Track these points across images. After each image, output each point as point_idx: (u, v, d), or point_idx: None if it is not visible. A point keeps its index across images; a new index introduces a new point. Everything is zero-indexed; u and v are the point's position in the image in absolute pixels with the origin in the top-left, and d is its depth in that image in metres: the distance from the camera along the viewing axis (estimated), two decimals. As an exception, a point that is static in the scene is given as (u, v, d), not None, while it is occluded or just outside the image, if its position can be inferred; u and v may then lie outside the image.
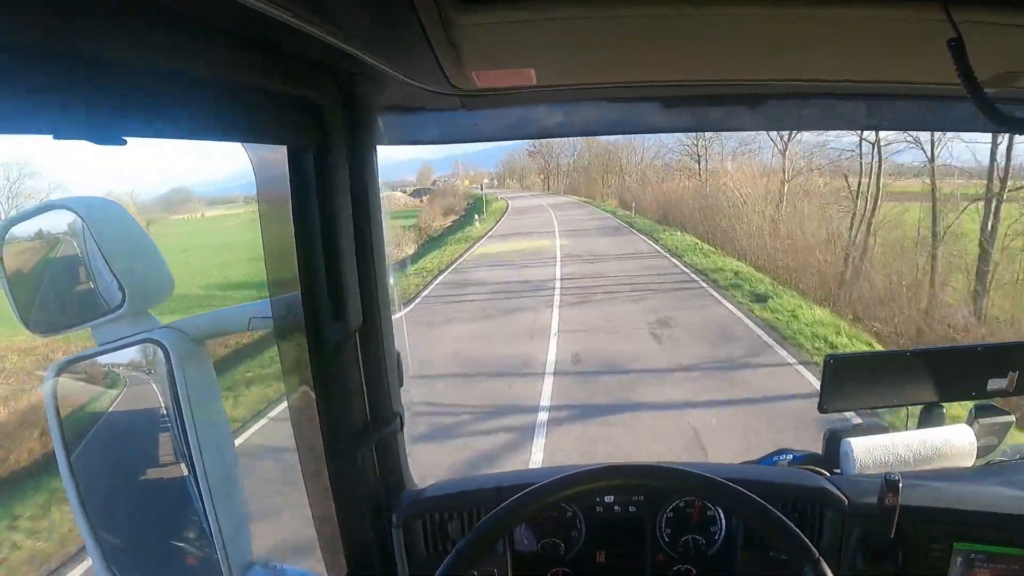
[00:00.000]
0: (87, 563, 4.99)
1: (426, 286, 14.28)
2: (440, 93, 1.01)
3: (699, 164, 32.06)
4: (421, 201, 46.20)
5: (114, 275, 1.04)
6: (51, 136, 0.62)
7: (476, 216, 32.19)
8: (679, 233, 22.63)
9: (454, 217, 36.83)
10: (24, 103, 0.56)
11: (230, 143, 0.94)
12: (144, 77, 0.66)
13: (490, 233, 26.94)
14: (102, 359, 1.13)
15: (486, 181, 65.67)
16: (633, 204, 32.23)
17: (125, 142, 0.67)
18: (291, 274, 0.97)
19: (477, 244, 22.64)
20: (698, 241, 20.80)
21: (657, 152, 40.67)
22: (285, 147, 0.96)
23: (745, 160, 26.06)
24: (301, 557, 1.13)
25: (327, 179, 0.97)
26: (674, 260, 16.89)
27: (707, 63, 0.96)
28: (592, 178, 48.94)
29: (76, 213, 1.06)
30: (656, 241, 21.19)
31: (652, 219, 28.77)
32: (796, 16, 0.74)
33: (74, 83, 0.59)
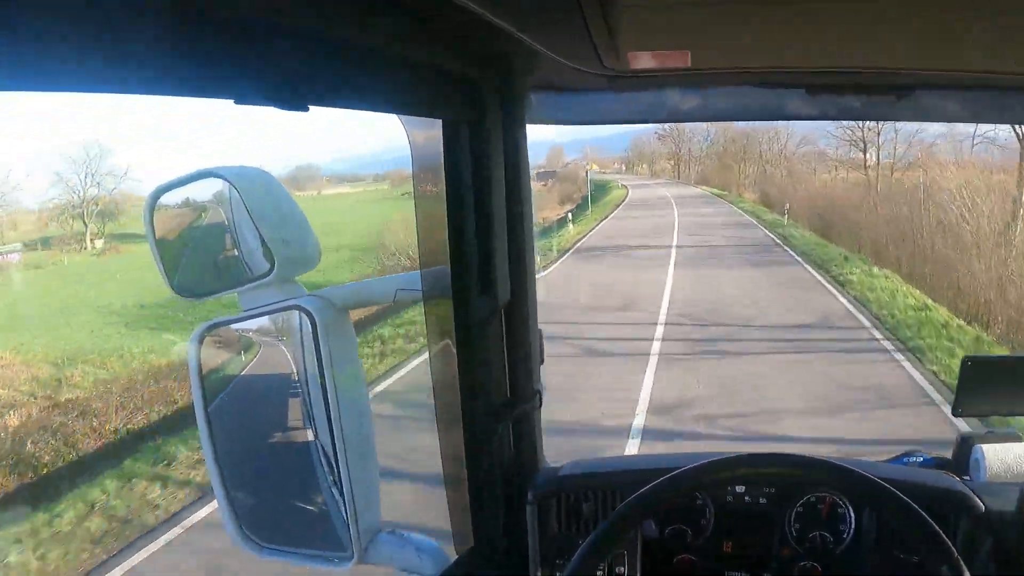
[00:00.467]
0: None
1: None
2: (591, 73, 1.01)
3: (865, 155, 25.16)
4: (545, 185, 40.85)
5: (263, 243, 1.06)
6: (232, 100, 0.64)
7: (569, 218, 24.12)
8: (876, 271, 13.27)
9: (570, 206, 31.15)
10: (208, 67, 0.57)
11: (388, 117, 0.96)
12: (319, 46, 0.68)
13: (579, 244, 18.98)
14: (241, 324, 1.17)
15: (616, 166, 62.59)
16: (787, 207, 22.97)
17: (307, 108, 0.69)
18: (441, 247, 0.98)
19: (546, 272, 13.97)
20: (921, 295, 11.23)
21: (804, 137, 34.62)
22: (440, 122, 0.97)
23: (942, 147, 18.76)
24: (424, 525, 1.14)
25: (481, 154, 0.98)
26: (908, 364, 7.52)
27: (857, 50, 0.93)
28: (727, 166, 42.95)
29: (229, 181, 1.09)
30: (841, 284, 12.08)
31: (809, 227, 20.85)
32: (954, 4, 0.71)
33: (256, 49, 0.61)
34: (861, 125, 23.03)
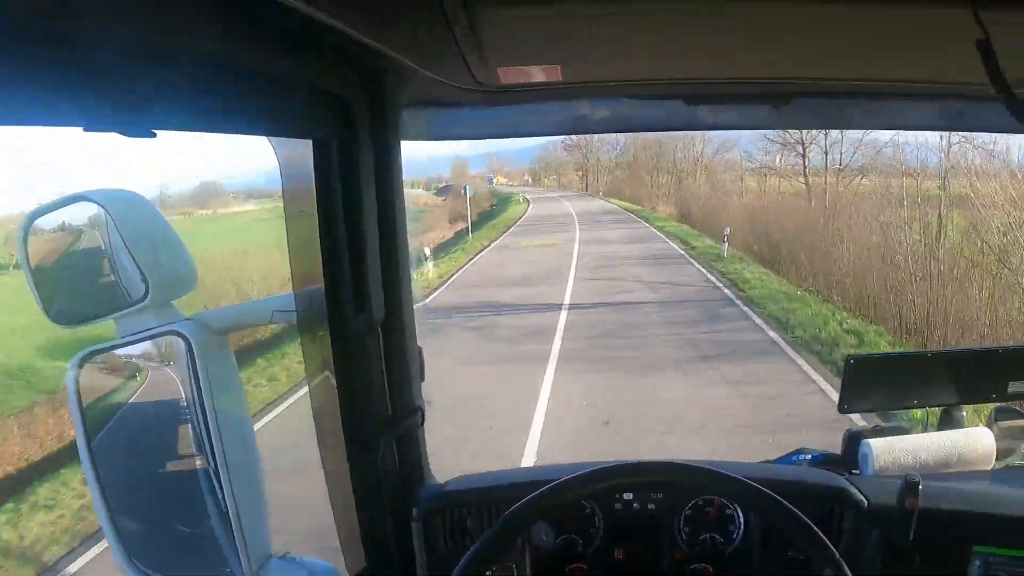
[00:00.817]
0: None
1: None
2: (464, 89, 1.01)
3: (805, 162, 20.94)
4: (444, 201, 38.36)
5: (137, 267, 1.04)
6: (82, 128, 0.63)
7: (426, 255, 16.23)
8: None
9: (462, 225, 27.13)
10: (55, 95, 0.56)
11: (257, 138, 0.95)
12: (176, 69, 0.67)
13: (427, 300, 12.28)
14: (123, 350, 1.14)
15: (525, 178, 60.64)
16: (726, 234, 16.48)
17: (154, 135, 0.67)
18: (315, 268, 0.98)
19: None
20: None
21: (722, 144, 31.05)
22: (310, 141, 0.96)
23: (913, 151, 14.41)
24: (318, 549, 1.13)
25: (352, 173, 0.98)
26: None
27: (732, 61, 0.96)
28: (638, 177, 39.24)
29: (100, 205, 1.06)
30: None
31: (752, 257, 15.59)
32: (821, 15, 0.73)
33: (105, 75, 0.59)
34: (801, 131, 19.32)
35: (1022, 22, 0.68)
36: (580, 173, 52.69)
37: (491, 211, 33.14)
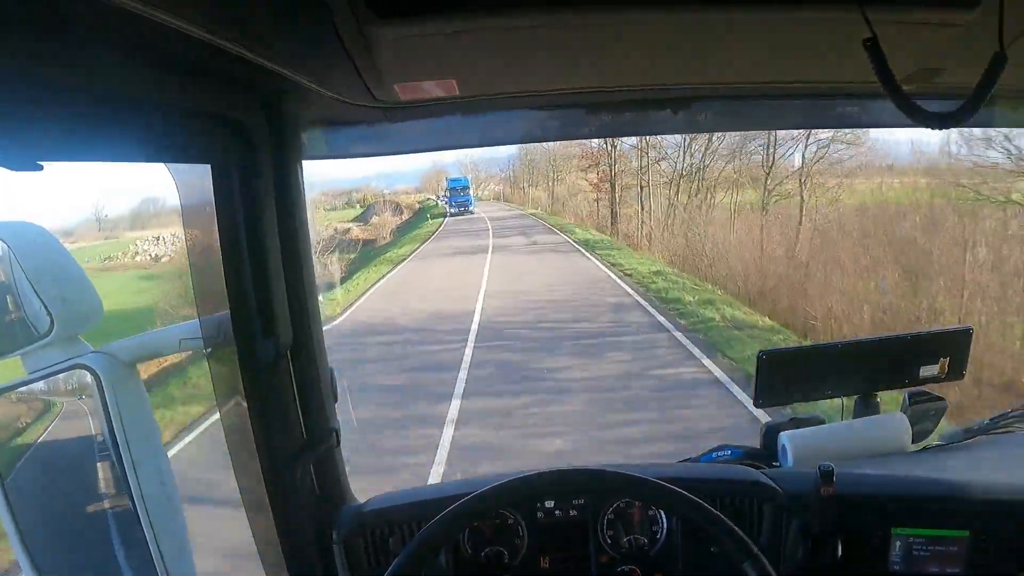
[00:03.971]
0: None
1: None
2: (364, 106, 1.01)
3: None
4: (363, 227, 30.94)
5: (41, 301, 1.02)
6: None
7: None
8: None
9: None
10: None
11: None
12: (62, 98, 0.65)
13: None
14: (34, 386, 1.12)
15: (495, 187, 45.14)
16: None
17: (41, 167, 0.66)
18: (220, 294, 0.97)
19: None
20: None
21: None
22: (209, 166, 0.95)
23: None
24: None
25: (253, 196, 0.97)
26: None
27: (630, 69, 0.97)
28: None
29: (2, 240, 1.04)
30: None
31: None
32: (715, 21, 0.76)
33: None
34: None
35: (906, 20, 0.72)
36: (595, 177, 24.31)
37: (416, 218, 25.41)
